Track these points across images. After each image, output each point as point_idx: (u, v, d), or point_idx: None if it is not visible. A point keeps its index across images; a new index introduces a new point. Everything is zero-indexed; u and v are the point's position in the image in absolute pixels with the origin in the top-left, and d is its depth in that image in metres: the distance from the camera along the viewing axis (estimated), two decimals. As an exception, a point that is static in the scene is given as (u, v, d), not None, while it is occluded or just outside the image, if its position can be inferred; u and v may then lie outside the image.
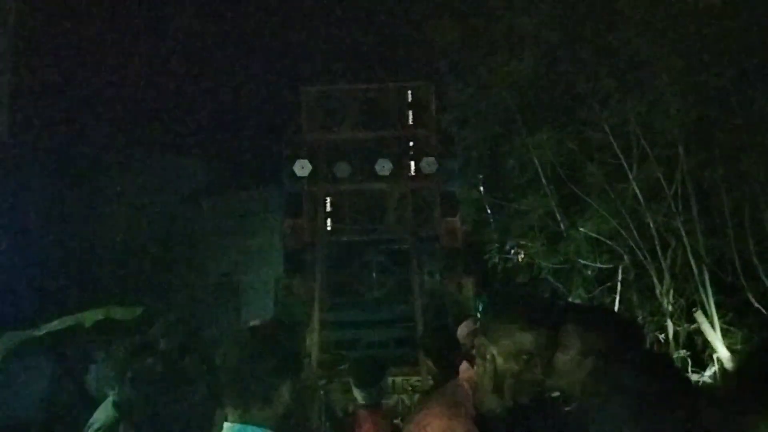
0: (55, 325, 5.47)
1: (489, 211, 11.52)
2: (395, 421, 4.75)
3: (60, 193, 9.52)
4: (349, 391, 4.21)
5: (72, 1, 10.30)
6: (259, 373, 1.85)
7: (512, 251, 11.41)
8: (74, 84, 10.60)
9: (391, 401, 6.07)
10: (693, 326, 9.45)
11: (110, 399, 3.19)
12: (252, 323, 4.57)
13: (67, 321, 5.52)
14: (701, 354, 9.28)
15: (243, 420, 1.81)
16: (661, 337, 9.75)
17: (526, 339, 1.88)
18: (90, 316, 5.61)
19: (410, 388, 6.43)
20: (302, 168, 8.09)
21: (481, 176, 11.30)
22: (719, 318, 9.03)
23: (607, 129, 9.14)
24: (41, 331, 5.53)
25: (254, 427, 1.81)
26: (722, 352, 8.53)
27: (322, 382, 6.32)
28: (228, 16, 11.37)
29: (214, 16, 11.73)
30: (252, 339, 1.96)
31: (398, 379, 6.66)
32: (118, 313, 5.76)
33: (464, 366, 1.90)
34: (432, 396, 1.90)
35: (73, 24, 10.35)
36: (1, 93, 5.34)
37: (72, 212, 9.48)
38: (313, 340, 7.19)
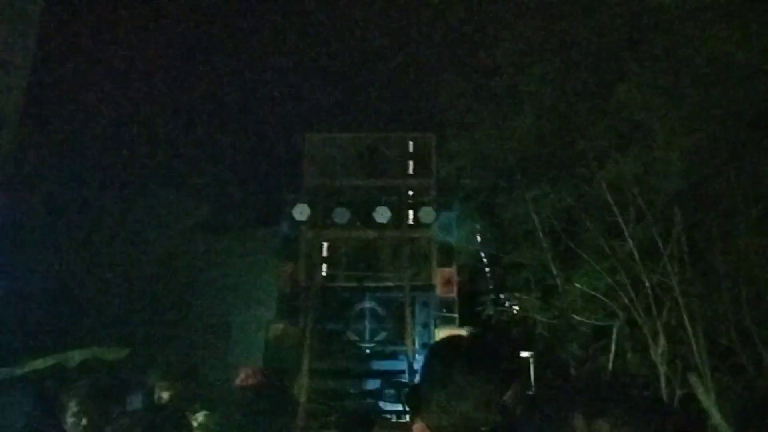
0: (39, 363, 5.35)
1: (485, 262, 11.52)
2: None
3: (55, 227, 9.48)
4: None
5: (79, 41, 10.50)
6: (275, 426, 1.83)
7: (507, 304, 11.36)
8: (76, 118, 10.71)
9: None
10: (687, 391, 9.33)
11: None
12: (242, 373, 4.50)
13: (51, 360, 5.40)
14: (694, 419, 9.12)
15: None
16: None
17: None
18: (75, 356, 5.49)
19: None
20: (301, 212, 8.10)
21: (478, 227, 11.35)
22: (713, 382, 8.91)
23: (604, 186, 9.23)
24: (24, 369, 5.40)
25: None
26: (717, 419, 8.39)
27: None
28: (237, 59, 11.61)
29: (222, 59, 11.98)
30: (253, 400, 1.93)
31: (388, 434, 6.51)
32: (105, 353, 5.64)
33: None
34: None
35: (78, 60, 10.53)
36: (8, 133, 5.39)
37: (66, 247, 9.43)
38: (301, 388, 7.04)
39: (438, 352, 1.78)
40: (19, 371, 5.50)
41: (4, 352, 5.88)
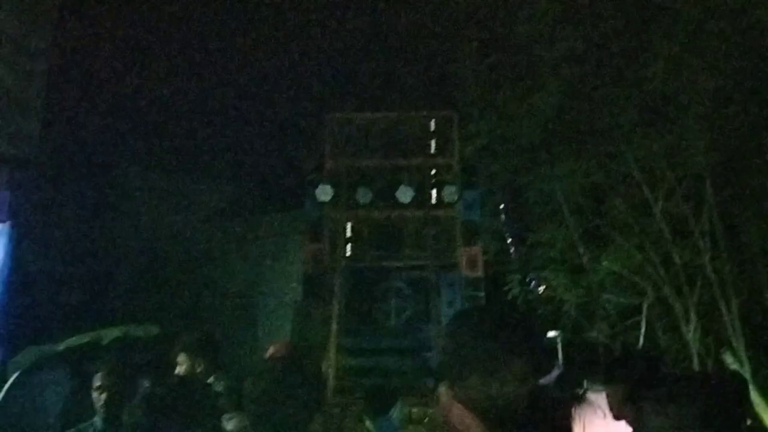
0: (74, 340, 5.47)
1: (510, 241, 11.41)
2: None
3: (82, 210, 9.66)
4: (362, 420, 4.12)
5: (98, 25, 10.58)
6: (291, 405, 1.79)
7: (533, 283, 11.26)
8: (97, 103, 10.85)
9: (406, 432, 5.90)
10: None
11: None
12: (271, 348, 4.52)
13: (85, 337, 5.52)
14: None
15: None
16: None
17: None
18: (108, 333, 5.60)
19: (426, 419, 6.28)
20: (324, 193, 8.08)
21: (502, 206, 11.23)
22: (748, 359, 8.73)
23: (632, 162, 9.04)
24: (60, 346, 5.54)
25: None
26: (753, 396, 8.21)
27: (337, 410, 6.21)
28: (256, 40, 11.60)
29: (241, 40, 11.99)
30: (283, 370, 1.89)
31: (414, 410, 6.51)
32: (136, 331, 5.75)
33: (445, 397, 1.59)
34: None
35: (98, 44, 10.62)
36: (34, 112, 5.47)
37: (94, 230, 9.61)
38: (328, 366, 7.09)
39: (470, 322, 1.61)
40: (56, 348, 5.65)
41: (42, 332, 6.03)
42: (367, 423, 3.95)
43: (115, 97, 11.04)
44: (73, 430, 3.05)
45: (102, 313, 7.83)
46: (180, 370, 3.94)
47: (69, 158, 9.39)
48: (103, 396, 3.44)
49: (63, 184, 9.04)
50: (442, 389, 1.60)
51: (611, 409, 3.18)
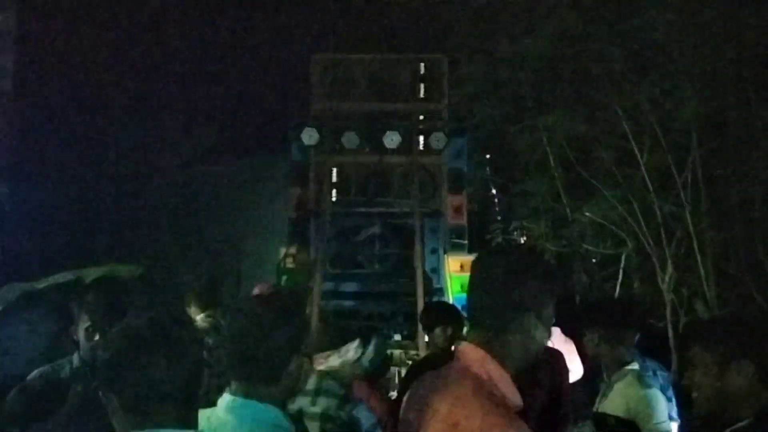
0: (56, 278, 5.43)
1: (494, 190, 11.47)
2: (390, 394, 4.75)
3: (65, 151, 9.47)
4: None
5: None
6: (270, 346, 1.73)
7: (515, 232, 11.39)
8: (83, 45, 10.49)
9: (387, 374, 6.05)
10: (692, 318, 9.43)
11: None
12: (256, 288, 4.54)
13: (68, 275, 5.47)
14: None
15: (246, 395, 1.70)
16: (660, 325, 9.74)
17: None
18: (91, 273, 5.56)
19: (408, 362, 6.42)
20: (310, 137, 7.99)
21: (488, 155, 11.22)
22: (719, 310, 8.99)
23: (619, 112, 9.02)
24: (41, 284, 5.49)
25: (258, 403, 1.69)
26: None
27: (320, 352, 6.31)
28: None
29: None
30: (263, 309, 1.83)
31: (396, 352, 6.67)
32: (120, 270, 5.71)
33: (472, 349, 1.51)
34: (435, 381, 1.54)
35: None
36: (5, 42, 5.25)
37: (77, 171, 9.45)
38: (312, 310, 7.18)
39: (510, 264, 1.52)
40: (37, 286, 5.60)
41: (25, 272, 5.99)
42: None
43: (98, 36, 10.67)
44: (48, 366, 3.04)
45: (85, 254, 7.78)
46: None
47: (49, 96, 9.12)
48: (96, 337, 3.45)
49: (44, 122, 8.81)
50: (465, 344, 1.52)
51: (587, 351, 3.32)
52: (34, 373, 2.91)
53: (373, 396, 3.53)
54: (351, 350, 2.98)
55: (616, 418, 2.96)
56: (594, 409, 3.16)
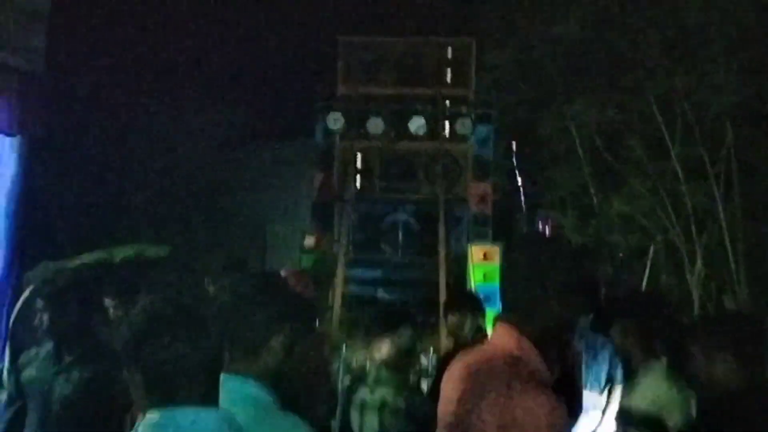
0: (86, 257, 5.49)
1: (520, 179, 11.31)
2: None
3: (96, 132, 9.59)
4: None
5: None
6: (250, 322, 1.76)
7: (541, 223, 11.23)
8: (115, 27, 10.57)
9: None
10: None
11: None
12: (282, 272, 4.55)
13: (98, 254, 5.54)
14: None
15: (234, 370, 1.71)
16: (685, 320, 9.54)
17: None
18: (120, 252, 5.62)
19: (431, 348, 6.39)
20: (335, 121, 7.94)
21: (515, 143, 11.05)
22: (750, 305, 8.78)
23: (651, 100, 8.80)
24: (74, 263, 5.57)
25: (235, 376, 1.70)
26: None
27: (344, 338, 6.31)
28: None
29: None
30: (244, 286, 1.87)
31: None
32: (148, 250, 5.77)
33: (507, 329, 1.62)
34: (476, 361, 1.67)
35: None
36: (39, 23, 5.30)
37: (107, 152, 9.57)
38: (335, 295, 7.17)
39: (545, 250, 1.67)
40: (70, 264, 5.68)
41: (56, 249, 6.08)
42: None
43: (127, 20, 10.74)
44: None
45: (113, 235, 7.88)
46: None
47: (81, 76, 9.21)
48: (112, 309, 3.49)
49: (75, 102, 8.91)
50: (502, 324, 1.64)
51: (615, 342, 3.27)
52: None
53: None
54: (405, 337, 3.00)
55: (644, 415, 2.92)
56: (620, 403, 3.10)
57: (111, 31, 10.58)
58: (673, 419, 2.83)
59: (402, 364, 2.98)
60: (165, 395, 1.41)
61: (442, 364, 3.89)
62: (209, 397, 1.44)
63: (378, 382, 2.87)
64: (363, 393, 2.91)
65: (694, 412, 2.93)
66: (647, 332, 3.05)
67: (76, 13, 8.85)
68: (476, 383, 1.57)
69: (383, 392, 2.83)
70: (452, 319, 4.18)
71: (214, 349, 1.46)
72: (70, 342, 2.92)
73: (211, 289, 4.06)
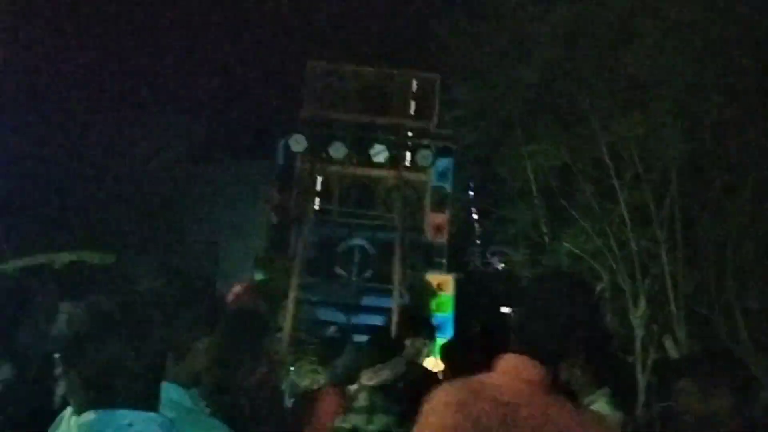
0: (24, 261, 5.26)
1: (475, 213, 11.52)
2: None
3: (46, 140, 9.29)
4: (316, 370, 4.12)
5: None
6: (175, 325, 1.75)
7: (493, 257, 11.42)
8: (73, 33, 10.38)
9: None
10: (661, 355, 9.53)
11: None
12: (236, 287, 4.46)
13: (37, 259, 5.32)
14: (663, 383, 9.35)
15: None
16: (630, 359, 9.82)
17: None
18: (61, 257, 5.41)
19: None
20: (297, 143, 7.97)
21: (472, 178, 11.28)
22: (688, 349, 9.09)
23: (603, 147, 9.17)
24: (8, 266, 5.31)
25: (170, 384, 1.69)
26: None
27: (291, 359, 6.22)
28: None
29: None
30: (167, 290, 1.84)
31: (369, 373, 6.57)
32: (92, 257, 5.57)
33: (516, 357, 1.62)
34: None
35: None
36: None
37: (58, 159, 9.27)
38: (287, 316, 7.08)
39: (558, 286, 1.70)
40: (2, 267, 5.42)
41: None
42: (321, 371, 3.94)
43: (91, 32, 10.57)
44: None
45: (60, 241, 7.58)
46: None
47: (38, 77, 8.96)
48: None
49: (27, 105, 8.64)
50: (510, 354, 1.65)
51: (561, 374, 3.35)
52: None
53: (336, 404, 3.45)
54: (400, 364, 2.89)
55: None
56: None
57: (73, 43, 10.38)
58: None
59: (399, 390, 2.87)
60: (101, 395, 1.37)
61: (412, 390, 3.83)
62: (149, 401, 1.40)
63: (374, 410, 2.73)
64: (355, 420, 2.74)
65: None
66: (593, 366, 3.14)
67: (41, 15, 8.68)
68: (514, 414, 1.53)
69: (383, 421, 2.70)
70: (409, 345, 4.17)
71: (155, 353, 1.43)
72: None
73: (142, 290, 3.93)
